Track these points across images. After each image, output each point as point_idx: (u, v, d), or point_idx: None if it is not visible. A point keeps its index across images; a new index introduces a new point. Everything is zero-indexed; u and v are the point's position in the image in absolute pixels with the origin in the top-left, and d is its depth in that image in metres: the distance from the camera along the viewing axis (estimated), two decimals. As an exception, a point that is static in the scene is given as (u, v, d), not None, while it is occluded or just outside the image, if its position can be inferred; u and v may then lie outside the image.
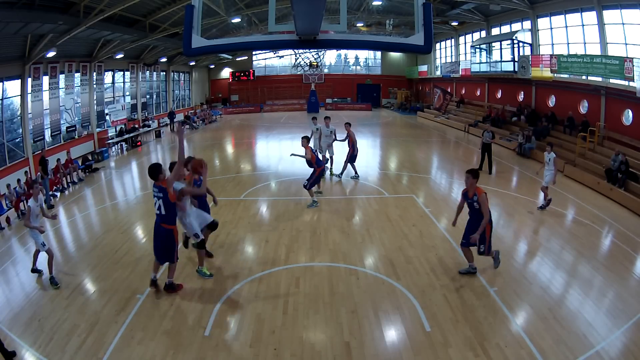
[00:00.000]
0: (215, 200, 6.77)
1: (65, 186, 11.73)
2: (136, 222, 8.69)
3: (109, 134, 18.57)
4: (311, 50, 31.67)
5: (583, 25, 14.20)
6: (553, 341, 4.49)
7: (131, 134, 18.76)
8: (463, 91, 25.80)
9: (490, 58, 19.77)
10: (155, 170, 5.11)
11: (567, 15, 14.94)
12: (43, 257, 6.15)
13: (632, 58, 11.00)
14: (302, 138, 8.88)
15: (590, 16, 13.62)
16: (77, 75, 16.63)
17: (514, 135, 16.83)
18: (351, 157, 11.26)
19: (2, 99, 12.51)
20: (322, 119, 11.74)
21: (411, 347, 4.46)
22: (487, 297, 5.40)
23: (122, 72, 21.42)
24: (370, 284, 5.81)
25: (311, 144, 12.57)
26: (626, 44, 12.37)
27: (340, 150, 11.85)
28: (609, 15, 12.82)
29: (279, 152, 15.52)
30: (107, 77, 19.94)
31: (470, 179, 5.66)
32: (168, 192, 5.10)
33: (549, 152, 8.78)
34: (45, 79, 14.28)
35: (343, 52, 35.87)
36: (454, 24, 23.75)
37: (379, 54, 35.17)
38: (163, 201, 5.14)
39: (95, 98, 17.92)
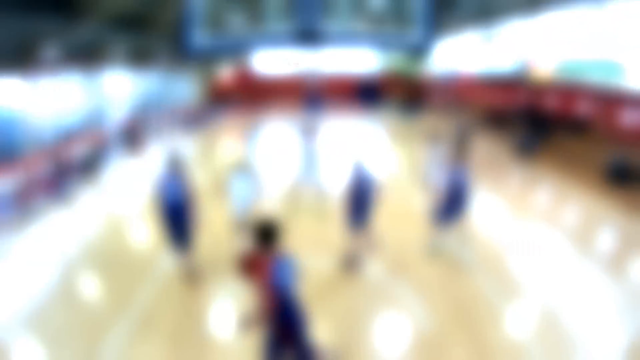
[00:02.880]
0: None
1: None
2: (136, 222, 8.69)
3: (109, 134, 18.52)
4: (311, 50, 31.66)
5: (583, 25, 14.16)
6: (553, 342, 4.49)
7: (131, 134, 18.75)
8: (463, 91, 25.78)
9: (490, 58, 19.74)
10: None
11: (567, 15, 14.89)
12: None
13: (632, 58, 10.98)
14: None
15: (591, 16, 13.59)
16: (77, 75, 16.57)
17: (513, 135, 16.82)
18: None
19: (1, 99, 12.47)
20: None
21: (411, 347, 4.46)
22: (487, 297, 5.40)
23: (122, 72, 21.37)
24: (370, 283, 5.81)
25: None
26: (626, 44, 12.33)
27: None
28: (609, 15, 12.78)
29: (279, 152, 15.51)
30: (107, 77, 19.88)
31: None
32: None
33: (434, 146, 8.18)
34: (45, 79, 14.21)
35: (343, 51, 35.84)
36: (454, 24, 23.72)
37: (379, 53, 35.13)
38: None
39: (95, 98, 17.88)
